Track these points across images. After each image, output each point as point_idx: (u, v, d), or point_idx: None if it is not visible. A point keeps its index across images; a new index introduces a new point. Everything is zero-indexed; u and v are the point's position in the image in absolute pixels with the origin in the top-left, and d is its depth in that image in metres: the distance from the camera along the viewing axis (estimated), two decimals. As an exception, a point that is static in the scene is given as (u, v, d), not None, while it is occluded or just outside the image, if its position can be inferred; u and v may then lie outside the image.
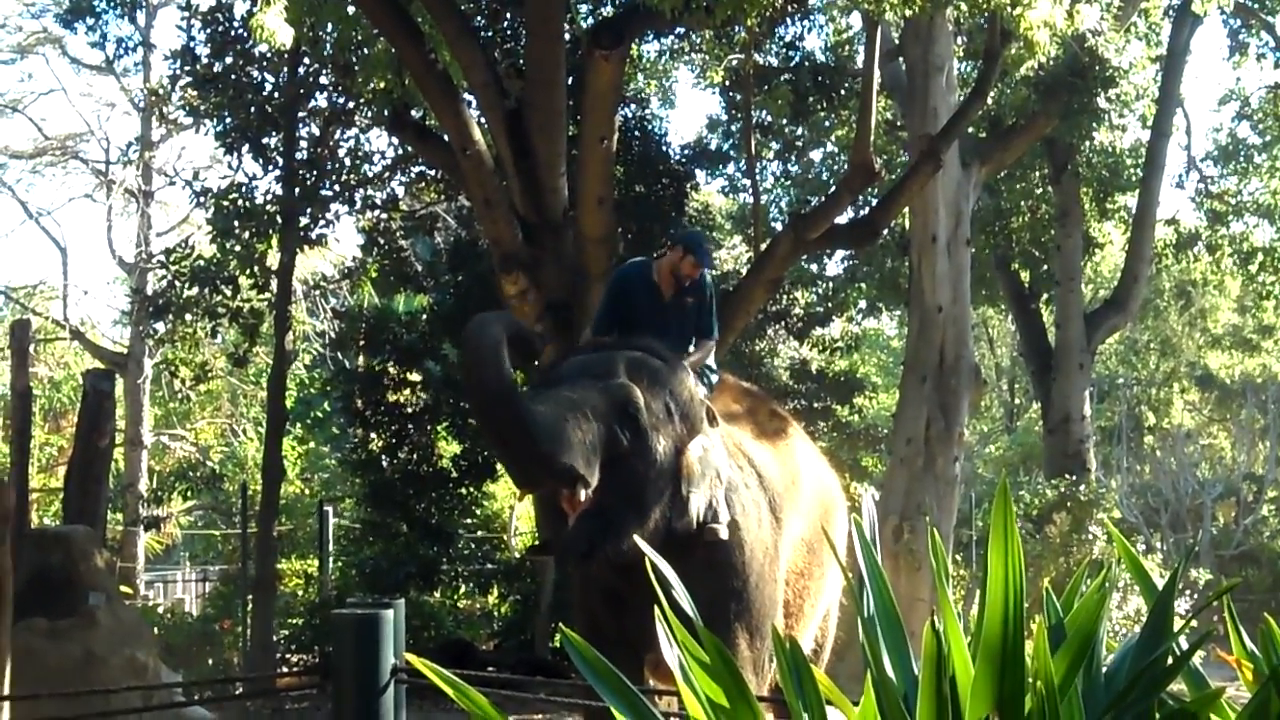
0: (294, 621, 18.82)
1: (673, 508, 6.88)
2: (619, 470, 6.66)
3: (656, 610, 3.09)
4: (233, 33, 18.62)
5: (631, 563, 6.93)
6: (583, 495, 6.50)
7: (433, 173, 19.78)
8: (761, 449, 7.88)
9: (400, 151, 19.95)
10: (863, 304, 27.27)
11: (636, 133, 19.97)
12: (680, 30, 18.96)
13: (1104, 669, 3.00)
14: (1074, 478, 19.75)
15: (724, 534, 7.03)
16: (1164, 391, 37.70)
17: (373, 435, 20.06)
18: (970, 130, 18.17)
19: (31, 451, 18.11)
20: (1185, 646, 3.02)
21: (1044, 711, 2.61)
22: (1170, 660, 2.89)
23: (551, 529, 7.00)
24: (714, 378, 8.23)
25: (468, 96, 14.30)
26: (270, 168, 19.17)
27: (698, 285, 8.32)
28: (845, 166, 18.76)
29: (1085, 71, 19.13)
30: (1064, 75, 19.03)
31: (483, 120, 14.26)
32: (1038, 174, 23.95)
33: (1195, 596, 19.49)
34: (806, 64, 20.51)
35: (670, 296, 8.22)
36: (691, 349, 8.15)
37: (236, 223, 18.49)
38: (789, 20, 19.38)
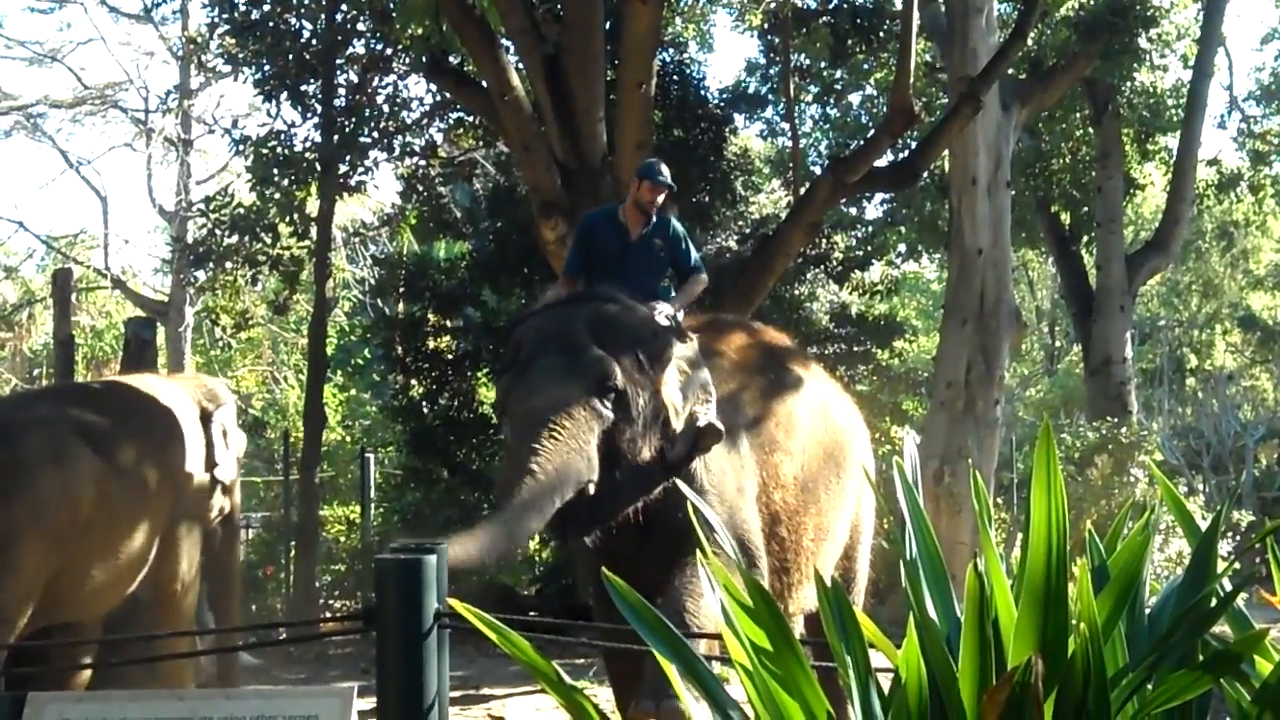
0: (336, 568, 18.93)
1: (664, 443, 6.98)
2: (609, 438, 6.75)
3: (698, 554, 3.10)
4: (271, -20, 18.63)
5: (628, 523, 7.05)
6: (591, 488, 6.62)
7: (471, 119, 19.76)
8: (734, 389, 7.87)
9: (438, 98, 19.93)
10: (902, 247, 27.18)
11: (675, 77, 19.91)
12: (718, -27, 18.89)
13: (1147, 611, 3.00)
14: (1115, 420, 19.69)
15: (712, 419, 7.12)
16: (1206, 333, 37.61)
17: (413, 382, 20.10)
18: (1010, 71, 18.05)
19: (75, 400, 18.17)
20: (1228, 588, 3.02)
21: (1087, 653, 2.61)
22: (1213, 602, 2.89)
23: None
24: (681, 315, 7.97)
25: (505, 42, 14.27)
26: (309, 115, 19.19)
27: (663, 224, 8.23)
28: (884, 109, 18.70)
29: (1126, 11, 19.02)
30: (1104, 15, 18.92)
31: (521, 66, 14.24)
32: (1078, 115, 23.80)
33: (1238, 538, 19.43)
34: (845, 6, 20.41)
35: (638, 236, 8.15)
36: (666, 295, 8.07)
37: (276, 170, 18.53)
38: (827, -38, 19.31)
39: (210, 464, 10.35)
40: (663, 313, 7.49)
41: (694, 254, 8.34)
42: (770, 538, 7.67)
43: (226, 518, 10.93)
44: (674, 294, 8.03)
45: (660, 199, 8.14)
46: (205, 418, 10.42)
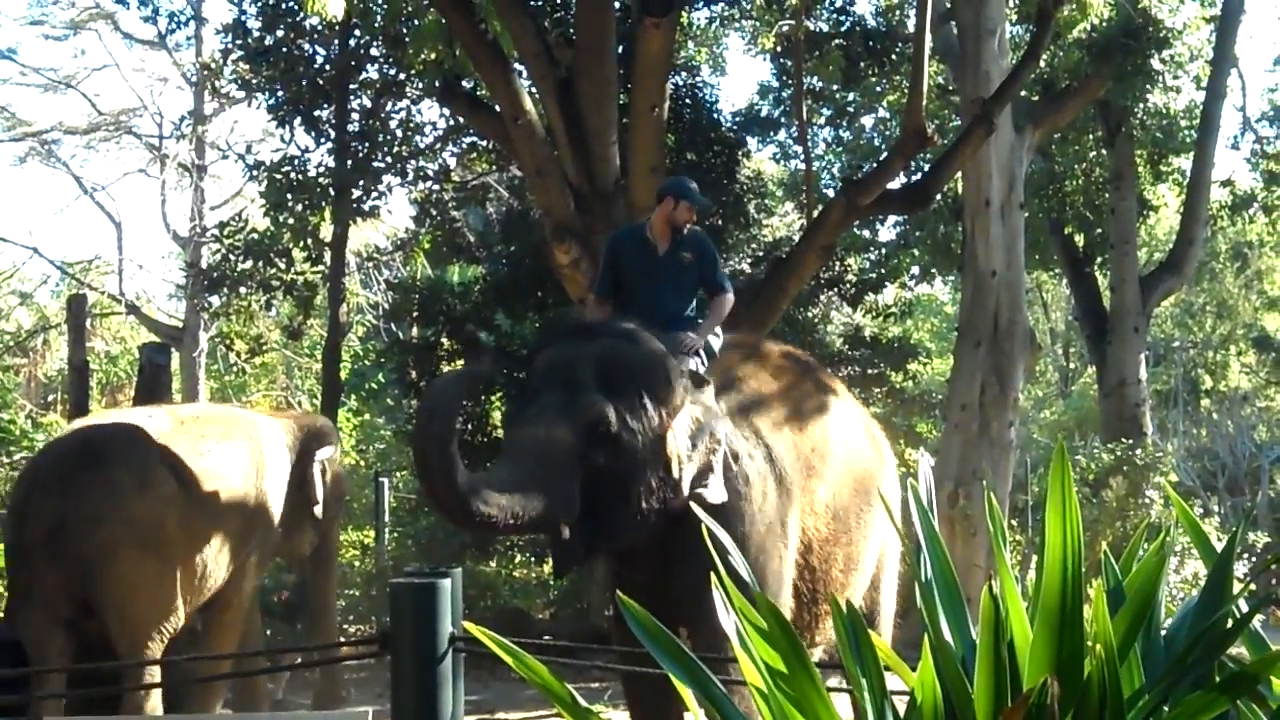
0: (351, 592, 18.91)
1: (665, 489, 6.95)
2: (602, 479, 6.76)
3: (711, 576, 3.10)
4: (283, 6, 18.68)
5: (638, 551, 7.07)
6: (566, 532, 6.68)
7: (484, 143, 19.81)
8: (775, 420, 7.84)
9: (451, 122, 19.98)
10: (916, 269, 27.14)
11: (687, 100, 19.93)
12: (730, -3, 18.93)
13: (1163, 632, 3.00)
14: (1130, 441, 19.66)
15: (713, 497, 7.04)
16: (1220, 354, 37.55)
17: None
18: (1023, 93, 18.06)
19: (89, 425, 18.21)
20: (1244, 609, 3.01)
21: (1103, 675, 2.61)
22: (1230, 623, 2.89)
23: (550, 539, 7.04)
24: (716, 343, 8.03)
25: (518, 66, 14.30)
26: (322, 140, 19.25)
27: (695, 240, 8.24)
28: (897, 131, 18.71)
29: (1138, 33, 19.03)
30: (1117, 37, 18.92)
31: (533, 90, 14.26)
32: (1091, 137, 23.79)
33: (1253, 559, 19.39)
34: (857, 29, 20.46)
35: (665, 251, 8.15)
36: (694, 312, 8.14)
37: (289, 195, 18.58)
38: (839, -15, 19.34)
39: (306, 499, 10.85)
40: (686, 348, 7.52)
41: (724, 272, 8.33)
42: (802, 567, 7.68)
43: (320, 549, 11.54)
44: (701, 319, 8.02)
45: (685, 219, 8.16)
46: (305, 455, 10.92)
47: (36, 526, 9.11)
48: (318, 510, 11.04)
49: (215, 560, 9.83)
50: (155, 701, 9.32)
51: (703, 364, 7.68)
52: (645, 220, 8.53)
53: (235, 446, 10.28)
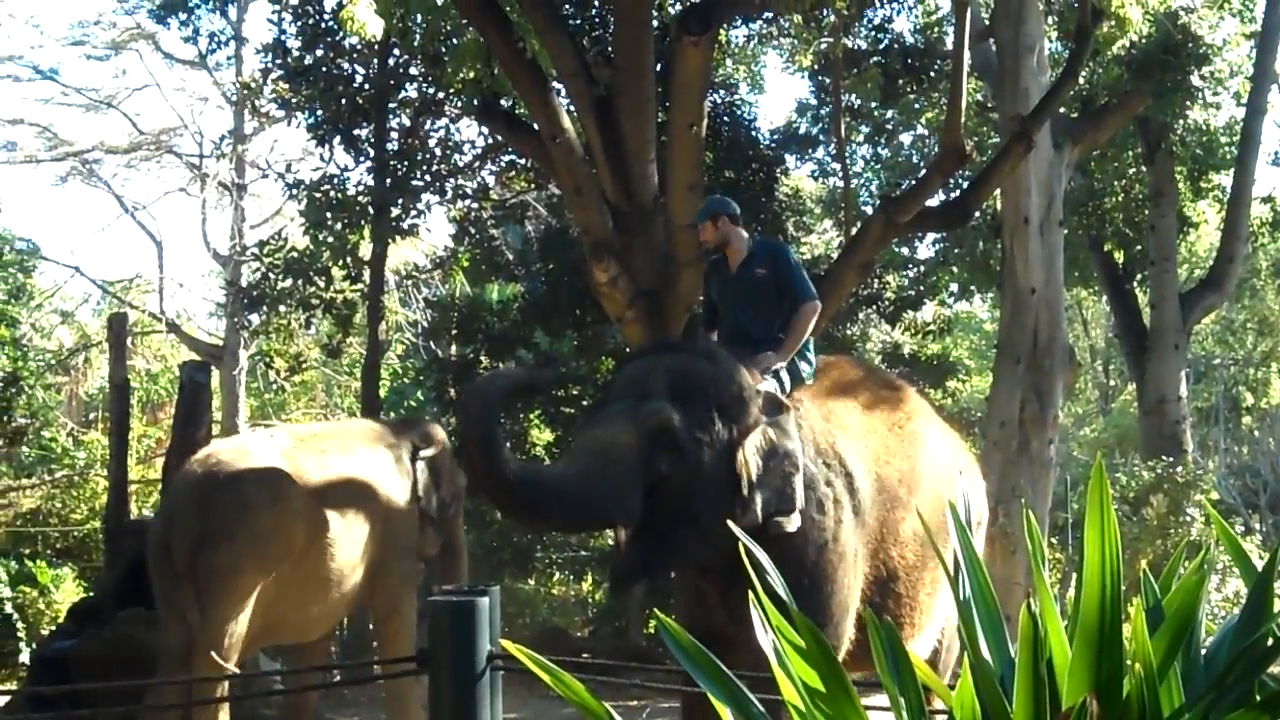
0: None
1: (734, 508, 6.87)
2: (663, 493, 6.78)
3: (750, 595, 3.09)
4: (323, 25, 18.78)
5: (712, 569, 7.08)
6: (622, 534, 6.80)
7: (523, 161, 19.86)
8: (860, 445, 7.82)
9: (490, 141, 20.04)
10: (955, 287, 27.05)
11: (726, 118, 19.97)
12: (768, 15, 18.92)
13: (1203, 651, 2.98)
14: (1171, 459, 19.54)
15: (791, 526, 7.07)
16: (1261, 371, 37.30)
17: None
18: (1062, 110, 18.02)
19: (130, 443, 18.31)
20: (1286, 628, 3.00)
21: (1143, 694, 2.60)
22: (1270, 642, 2.87)
23: (614, 555, 7.12)
24: (806, 366, 8.01)
25: (557, 85, 14.32)
26: (361, 159, 19.34)
27: (768, 252, 8.26)
28: (936, 149, 18.69)
29: (1178, 49, 18.97)
30: (1156, 53, 18.86)
31: (572, 108, 14.29)
32: (1131, 153, 23.71)
33: (1295, 578, 19.25)
34: (896, 46, 20.45)
35: (738, 270, 8.19)
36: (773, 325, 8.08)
37: (329, 214, 18.65)
38: (878, 2, 19.37)
39: (418, 500, 11.18)
40: (763, 367, 7.51)
41: (803, 278, 8.22)
42: (886, 594, 7.71)
43: (446, 548, 11.79)
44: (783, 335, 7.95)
45: (717, 234, 8.23)
46: (414, 457, 11.28)
47: (181, 548, 9.66)
48: (428, 509, 11.32)
49: (348, 569, 10.30)
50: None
51: (784, 386, 7.65)
52: None
53: (354, 458, 10.72)
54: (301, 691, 10.77)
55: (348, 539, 10.30)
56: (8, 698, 13.75)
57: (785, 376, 7.71)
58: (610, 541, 20.54)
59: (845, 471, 7.56)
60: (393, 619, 10.99)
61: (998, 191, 17.42)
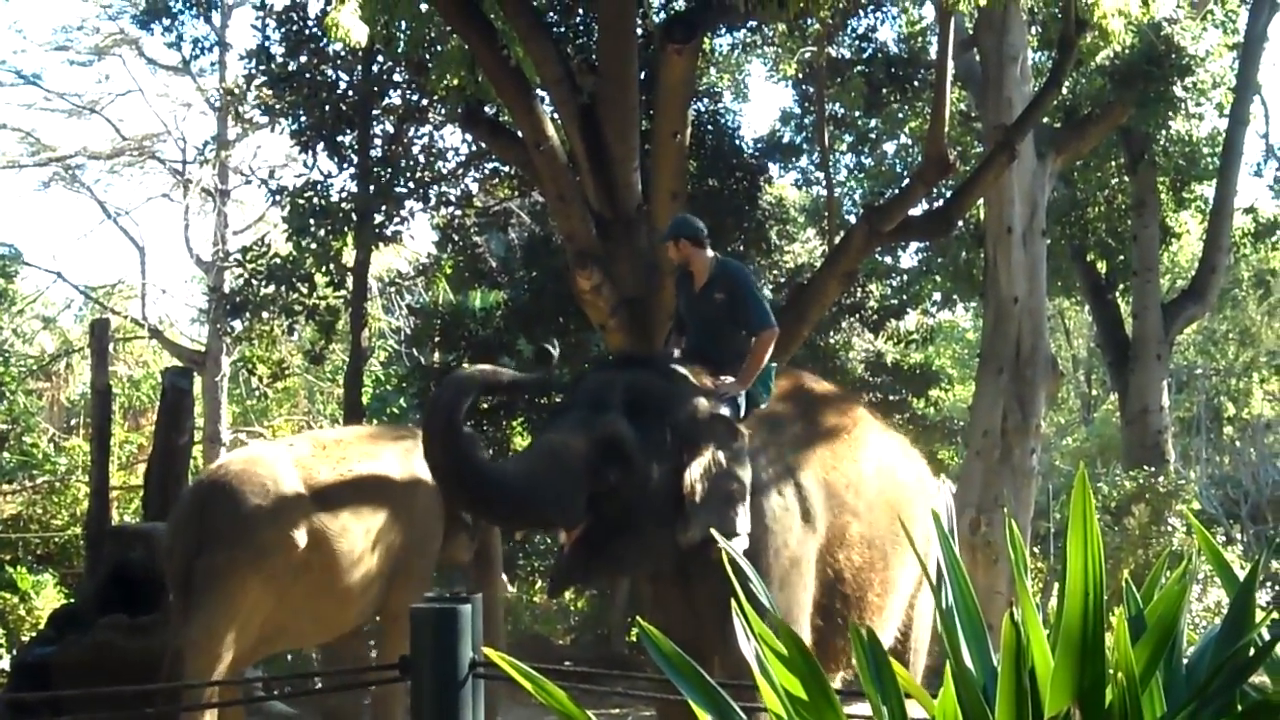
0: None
1: (675, 524, 7.07)
2: (609, 502, 6.95)
3: (733, 604, 3.09)
4: (307, 32, 18.75)
5: (661, 574, 7.20)
6: (563, 536, 6.94)
7: (506, 169, 19.85)
8: (809, 457, 7.96)
9: (474, 148, 20.04)
10: (937, 296, 27.07)
11: (709, 127, 19.95)
12: (752, 24, 18.94)
13: (1185, 661, 2.99)
14: (1152, 469, 19.56)
15: (740, 545, 7.10)
16: (1243, 381, 37.38)
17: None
18: (1045, 120, 18.06)
19: (111, 449, 18.27)
20: (1267, 638, 3.00)
21: (1125, 703, 2.60)
22: (1252, 652, 2.88)
23: (554, 558, 7.24)
24: (764, 394, 8.11)
25: (540, 92, 14.32)
26: (345, 165, 19.31)
27: (727, 276, 8.33)
28: (919, 158, 18.70)
29: (1161, 60, 18.99)
30: (1140, 64, 18.89)
31: (556, 116, 14.28)
32: (1114, 163, 23.73)
33: (1276, 588, 19.30)
34: (879, 56, 20.47)
35: (700, 292, 8.31)
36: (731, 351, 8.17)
37: (312, 220, 18.62)
38: (861, 12, 19.37)
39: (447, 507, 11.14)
40: (720, 393, 7.60)
41: (758, 306, 8.26)
42: (835, 596, 7.82)
43: (481, 556, 11.80)
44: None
45: (679, 255, 8.39)
46: None
47: (181, 555, 9.86)
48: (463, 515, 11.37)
49: (363, 578, 10.36)
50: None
51: (740, 410, 7.74)
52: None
53: (378, 466, 10.77)
54: (292, 697, 10.81)
55: (359, 548, 10.35)
56: (-12, 704, 13.71)
57: (741, 401, 7.81)
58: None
59: (795, 480, 7.71)
60: (401, 619, 10.95)
61: (981, 201, 17.45)
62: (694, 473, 7.10)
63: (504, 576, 13.49)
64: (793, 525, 7.54)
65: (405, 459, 10.97)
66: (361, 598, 10.50)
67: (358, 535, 10.33)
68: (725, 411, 7.53)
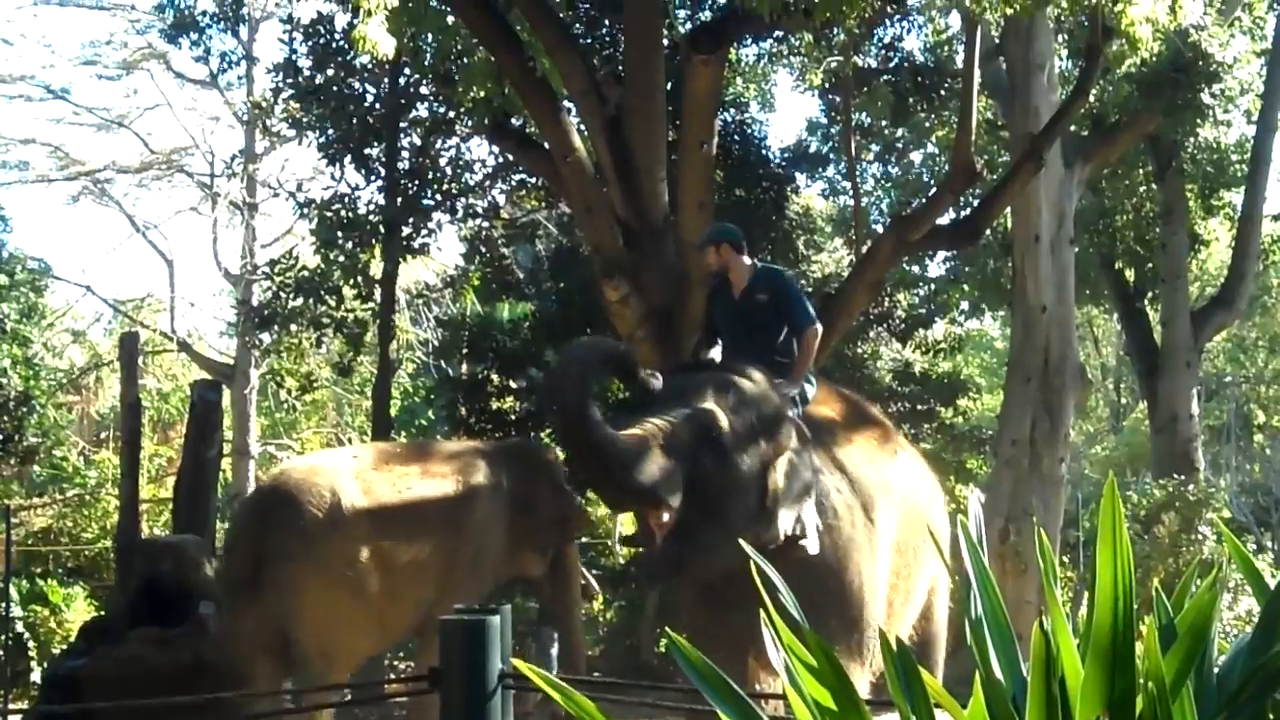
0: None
1: (759, 521, 7.11)
2: (703, 490, 6.93)
3: (761, 613, 3.09)
4: (334, 45, 18.82)
5: (729, 570, 7.16)
6: (665, 517, 6.81)
7: (533, 180, 19.87)
8: (854, 455, 8.06)
9: (501, 160, 20.07)
10: (965, 305, 27.06)
11: (736, 137, 19.95)
12: (778, 34, 18.92)
13: (1216, 670, 2.97)
14: (1182, 477, 19.49)
15: (812, 548, 7.26)
16: (1273, 389, 37.27)
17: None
18: (1072, 128, 18.01)
19: (141, 462, 18.31)
20: (1298, 646, 2.99)
21: (1155, 712, 2.59)
22: (1283, 660, 2.86)
23: (644, 546, 7.23)
24: (810, 390, 8.26)
25: (567, 104, 14.34)
26: (372, 178, 19.35)
27: (769, 278, 8.50)
28: (946, 167, 18.69)
29: (1188, 67, 18.94)
30: (1167, 71, 18.84)
31: (582, 127, 14.30)
32: (1141, 171, 23.68)
33: (1308, 596, 19.19)
34: (906, 65, 20.44)
35: (741, 296, 8.37)
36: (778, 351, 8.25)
37: (340, 233, 18.67)
38: (888, 21, 19.33)
39: (523, 524, 11.46)
40: (788, 396, 7.70)
41: (802, 304, 8.50)
42: None
43: (555, 571, 12.13)
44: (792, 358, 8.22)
45: (719, 260, 8.48)
46: (518, 482, 11.55)
47: (241, 564, 10.25)
48: (530, 532, 11.57)
49: (417, 588, 10.59)
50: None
51: (799, 410, 7.87)
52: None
53: (438, 481, 11.00)
54: (316, 708, 10.83)
55: (413, 559, 10.61)
56: (19, 717, 13.75)
57: (797, 400, 7.92)
58: (620, 561, 20.55)
59: (849, 477, 7.82)
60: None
61: (1008, 210, 17.41)
62: (778, 470, 7.19)
63: (594, 585, 13.51)
64: (856, 520, 7.65)
65: (464, 474, 11.17)
66: (418, 608, 10.67)
67: (412, 546, 10.57)
68: (795, 413, 7.65)
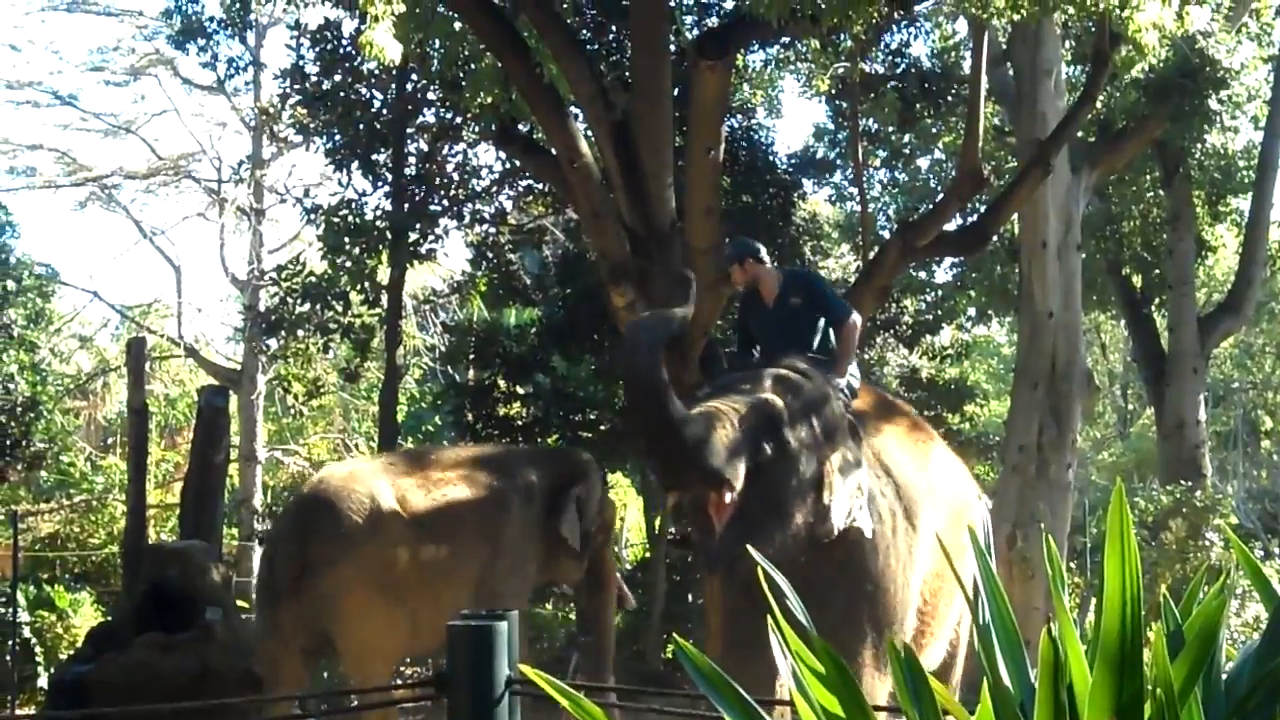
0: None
1: (814, 514, 7.21)
2: (762, 478, 7.01)
3: (769, 620, 3.09)
4: (341, 51, 18.83)
5: (781, 563, 7.18)
6: (727, 498, 6.85)
7: (540, 186, 19.89)
8: (900, 458, 8.15)
9: (508, 165, 20.07)
10: (972, 311, 27.01)
11: (743, 143, 19.96)
12: (785, 39, 18.92)
13: (1224, 676, 2.97)
14: (1189, 483, 19.48)
15: (868, 532, 7.38)
16: (1280, 395, 37.20)
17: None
18: (1079, 134, 18.00)
19: (148, 468, 18.35)
20: (1307, 653, 2.98)
21: (1164, 718, 2.59)
22: (1291, 667, 2.86)
23: (700, 534, 7.32)
24: (855, 382, 8.40)
25: (574, 109, 14.33)
26: (379, 184, 19.37)
27: (800, 281, 8.77)
28: (953, 173, 18.68)
29: (1196, 73, 18.94)
30: (1174, 77, 18.83)
31: (589, 133, 14.29)
32: (1148, 177, 23.66)
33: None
34: (913, 71, 20.44)
35: (775, 304, 8.39)
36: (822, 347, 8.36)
37: (347, 239, 18.67)
38: (895, 27, 19.33)
39: (549, 530, 11.64)
40: (839, 389, 7.86)
41: (837, 299, 8.77)
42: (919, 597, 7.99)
43: (593, 576, 12.36)
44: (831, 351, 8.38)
45: (745, 275, 8.72)
46: (558, 490, 11.74)
47: (283, 569, 10.45)
48: (567, 537, 11.66)
49: (455, 592, 10.70)
50: None
51: (848, 401, 8.01)
52: None
53: (475, 487, 11.22)
54: (328, 715, 10.90)
55: (454, 567, 10.79)
56: (26, 722, 13.77)
57: (846, 392, 8.08)
58: (627, 567, 20.54)
59: (894, 481, 7.92)
60: None
61: (1015, 216, 17.41)
62: (834, 463, 7.26)
63: (627, 592, 13.56)
64: (898, 526, 7.72)
65: (502, 478, 11.38)
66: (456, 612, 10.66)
67: (451, 550, 10.76)
68: (844, 406, 7.78)
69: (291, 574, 10.38)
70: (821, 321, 8.46)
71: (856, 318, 8.54)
